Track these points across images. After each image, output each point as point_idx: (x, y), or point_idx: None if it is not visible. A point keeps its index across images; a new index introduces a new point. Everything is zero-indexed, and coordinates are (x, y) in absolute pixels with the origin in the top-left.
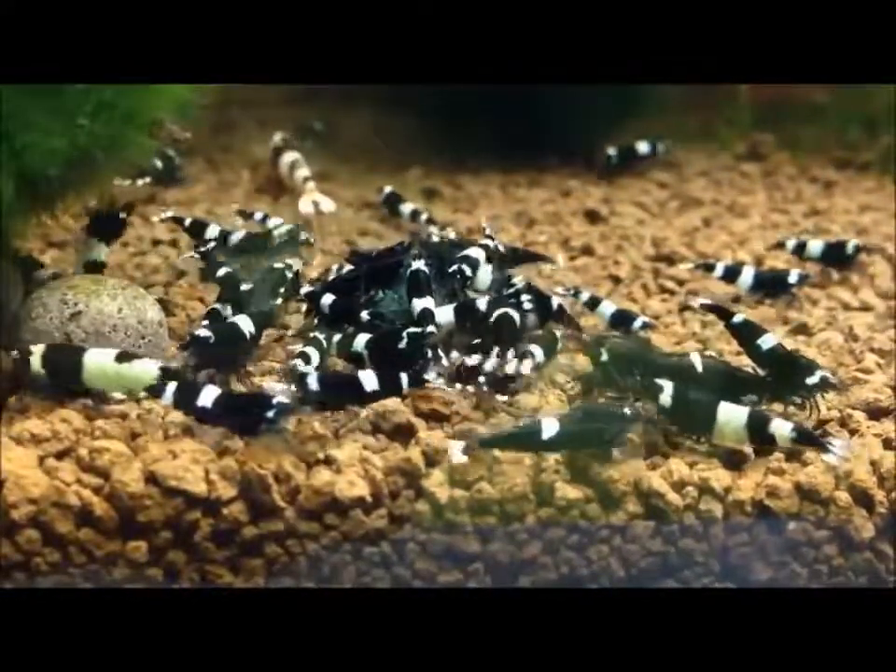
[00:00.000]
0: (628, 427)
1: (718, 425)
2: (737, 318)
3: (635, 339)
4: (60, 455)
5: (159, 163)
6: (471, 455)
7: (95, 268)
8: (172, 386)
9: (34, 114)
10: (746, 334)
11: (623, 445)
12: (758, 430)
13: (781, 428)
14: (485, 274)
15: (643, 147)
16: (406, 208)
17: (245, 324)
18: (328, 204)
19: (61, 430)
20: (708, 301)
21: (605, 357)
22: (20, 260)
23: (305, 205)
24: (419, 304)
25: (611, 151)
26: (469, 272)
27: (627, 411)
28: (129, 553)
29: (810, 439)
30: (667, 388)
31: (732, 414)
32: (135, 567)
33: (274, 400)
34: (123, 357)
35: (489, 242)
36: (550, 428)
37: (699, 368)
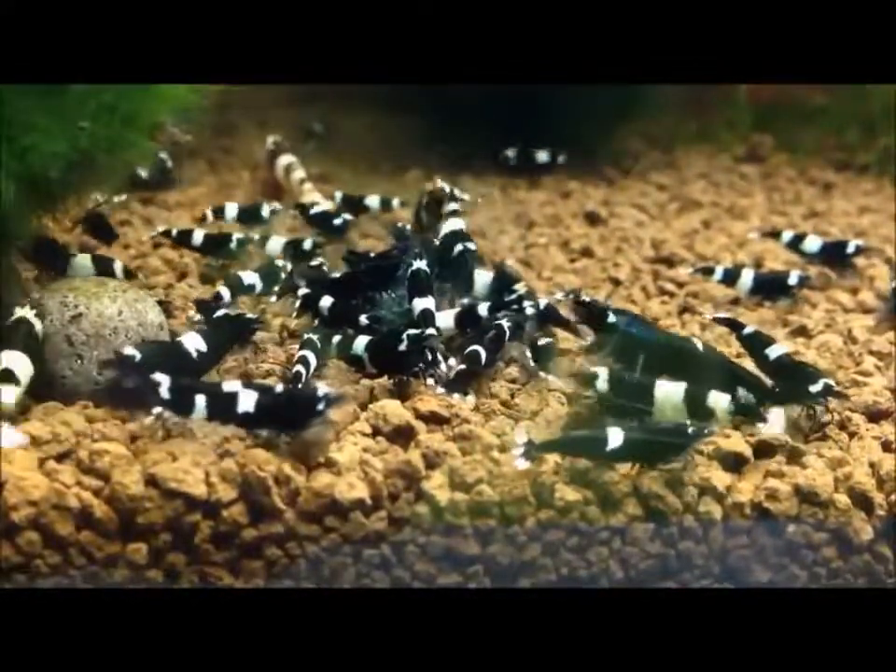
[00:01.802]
0: (692, 443)
1: (657, 404)
2: (748, 330)
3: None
4: (60, 458)
5: (143, 173)
6: (534, 460)
7: None
8: (201, 399)
9: (35, 116)
10: (755, 344)
11: (684, 461)
12: (696, 405)
13: (719, 401)
14: (483, 279)
15: (542, 155)
16: (373, 201)
17: (192, 342)
18: (325, 205)
19: (61, 433)
20: (721, 315)
21: (611, 319)
22: (46, 243)
23: (310, 196)
24: (420, 304)
25: (510, 153)
26: (473, 246)
27: (691, 429)
28: (129, 555)
29: (747, 410)
30: (602, 374)
31: (669, 391)
32: (135, 568)
33: (321, 393)
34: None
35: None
36: (615, 439)
37: (700, 347)
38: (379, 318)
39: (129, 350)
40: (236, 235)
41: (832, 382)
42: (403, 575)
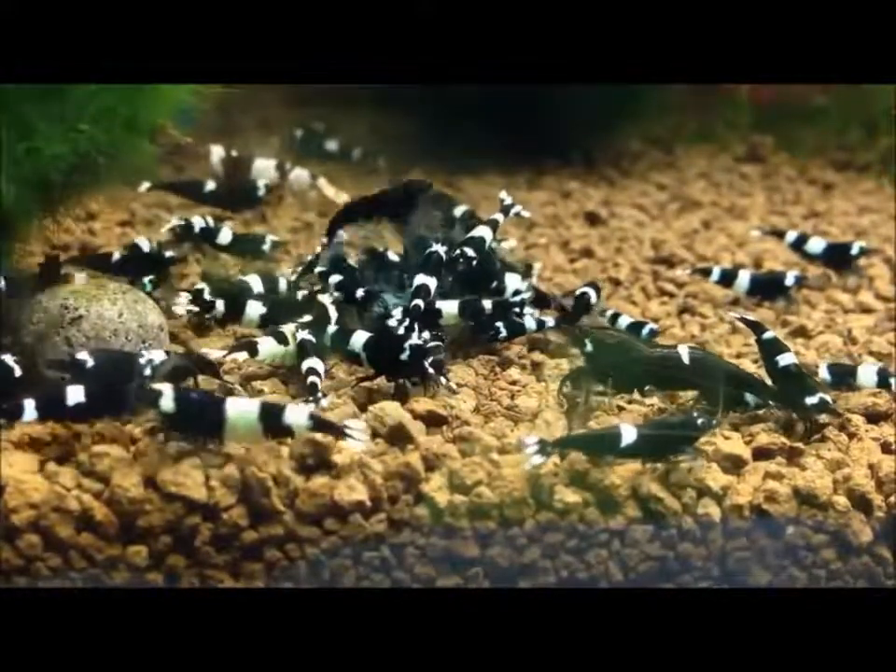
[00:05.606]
0: (701, 433)
1: (228, 423)
2: (767, 335)
3: (619, 332)
4: (60, 460)
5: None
6: (549, 456)
7: None
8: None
9: (35, 120)
10: (770, 350)
11: (692, 453)
12: (272, 422)
13: (297, 417)
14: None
15: (331, 144)
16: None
17: (157, 357)
18: (342, 196)
19: (61, 435)
20: (747, 316)
21: (589, 347)
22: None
23: (339, 196)
24: (420, 279)
25: (298, 133)
26: (471, 252)
27: (700, 420)
28: (129, 558)
29: (327, 426)
30: (167, 392)
31: (242, 410)
32: (136, 571)
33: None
34: None
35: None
36: (629, 435)
37: (686, 359)
38: (374, 294)
39: (81, 355)
40: (270, 237)
41: (828, 398)
42: (403, 577)
